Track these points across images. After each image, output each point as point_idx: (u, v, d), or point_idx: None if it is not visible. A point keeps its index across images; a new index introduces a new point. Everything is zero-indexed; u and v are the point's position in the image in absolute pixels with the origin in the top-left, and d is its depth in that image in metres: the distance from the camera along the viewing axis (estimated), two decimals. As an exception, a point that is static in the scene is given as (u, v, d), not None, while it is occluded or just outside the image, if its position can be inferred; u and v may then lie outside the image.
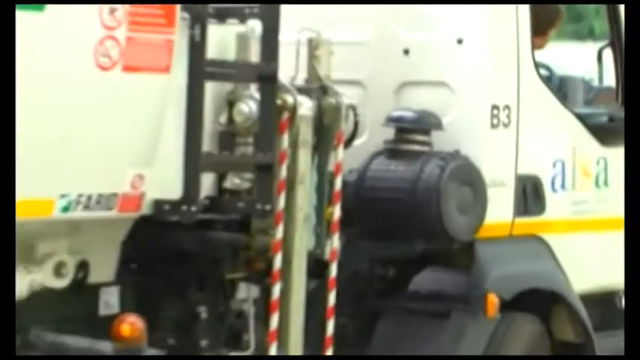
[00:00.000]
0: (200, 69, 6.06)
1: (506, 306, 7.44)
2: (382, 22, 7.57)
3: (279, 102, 6.45)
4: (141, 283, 6.64)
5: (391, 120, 7.30)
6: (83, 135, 5.70)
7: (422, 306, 7.45)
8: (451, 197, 7.10)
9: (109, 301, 6.50)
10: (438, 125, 7.32)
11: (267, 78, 6.40)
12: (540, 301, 7.84)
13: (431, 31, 7.57)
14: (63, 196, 5.68)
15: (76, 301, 6.39)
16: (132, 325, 5.99)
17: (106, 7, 5.62)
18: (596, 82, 8.68)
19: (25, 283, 6.02)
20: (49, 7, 5.44)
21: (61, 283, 6.18)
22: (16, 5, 5.29)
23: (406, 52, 7.52)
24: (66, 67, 5.59)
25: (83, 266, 6.32)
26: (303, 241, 6.64)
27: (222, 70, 6.37)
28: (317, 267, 6.81)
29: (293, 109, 6.49)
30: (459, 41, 7.48)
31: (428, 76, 7.56)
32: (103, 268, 6.45)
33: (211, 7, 6.17)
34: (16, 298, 5.96)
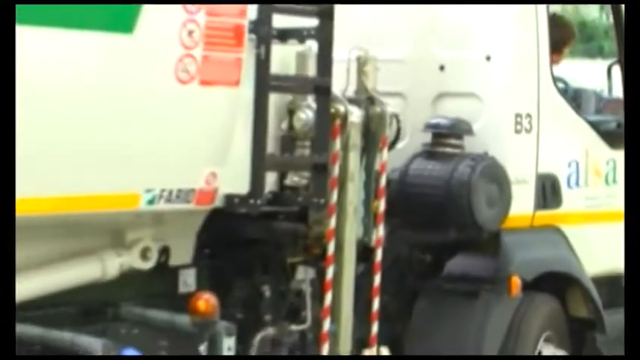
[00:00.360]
0: (265, 83, 6.08)
1: (527, 286, 7.47)
2: (421, 42, 7.58)
3: (332, 111, 6.47)
4: (214, 265, 6.67)
5: (429, 126, 7.31)
6: (165, 138, 5.74)
7: (455, 286, 7.47)
8: (480, 193, 7.11)
9: (187, 280, 6.54)
10: (469, 131, 7.34)
11: (322, 90, 6.43)
12: (557, 283, 7.86)
13: (463, 50, 7.57)
14: (148, 190, 5.73)
15: (159, 281, 6.46)
16: (206, 301, 6.05)
17: (185, 29, 5.72)
18: (605, 94, 8.64)
19: (115, 265, 6.10)
20: (137, 29, 5.52)
21: (147, 265, 6.24)
22: (107, 27, 5.43)
23: (442, 67, 7.53)
24: (151, 81, 5.63)
25: (165, 251, 6.36)
26: (352, 231, 6.68)
27: (284, 84, 6.40)
28: (364, 252, 6.82)
29: (344, 117, 6.53)
30: (488, 58, 7.48)
31: (460, 88, 7.56)
32: (182, 253, 6.49)
33: (275, 29, 6.17)
34: (108, 278, 6.14)
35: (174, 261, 6.48)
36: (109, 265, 6.09)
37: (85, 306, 6.12)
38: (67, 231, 5.95)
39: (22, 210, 5.30)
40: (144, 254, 6.25)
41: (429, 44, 7.60)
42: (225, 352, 6.10)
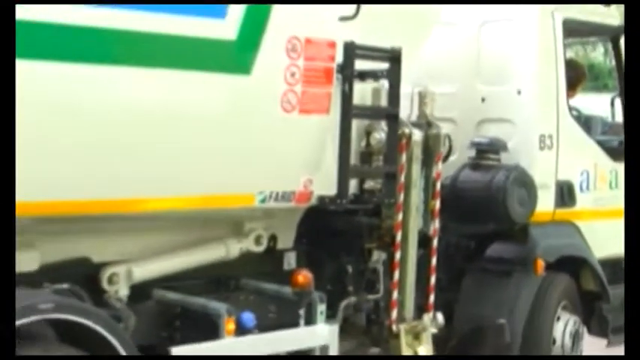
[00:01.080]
0: (348, 111, 6.06)
1: (549, 267, 7.43)
2: (467, 80, 7.55)
3: (399, 132, 6.45)
4: (310, 249, 6.64)
5: (473, 144, 7.28)
6: (273, 153, 5.78)
7: (493, 267, 7.43)
8: (513, 195, 7.05)
9: (289, 260, 6.55)
10: (505, 147, 7.27)
11: (392, 117, 6.40)
12: (572, 264, 7.78)
13: (499, 85, 7.51)
14: (260, 192, 5.79)
15: (268, 261, 6.47)
16: (304, 276, 6.08)
17: (289, 71, 5.75)
18: (609, 120, 8.51)
19: (236, 248, 6.14)
20: (253, 72, 5.55)
21: (259, 249, 6.28)
22: (232, 70, 5.46)
23: (483, 99, 7.49)
24: (262, 110, 5.66)
25: (273, 238, 6.40)
26: (415, 224, 6.67)
27: (363, 112, 6.39)
28: (424, 240, 6.79)
29: (409, 137, 6.52)
30: (519, 92, 7.41)
31: (497, 115, 7.48)
32: (286, 240, 6.51)
33: (356, 71, 6.10)
34: (230, 258, 6.16)
35: (280, 245, 6.50)
36: (232, 249, 6.15)
37: (213, 279, 6.17)
38: (202, 222, 6.02)
39: (177, 205, 5.49)
40: (257, 240, 6.29)
41: (473, 81, 7.55)
42: (319, 316, 6.13)
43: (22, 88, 4.45)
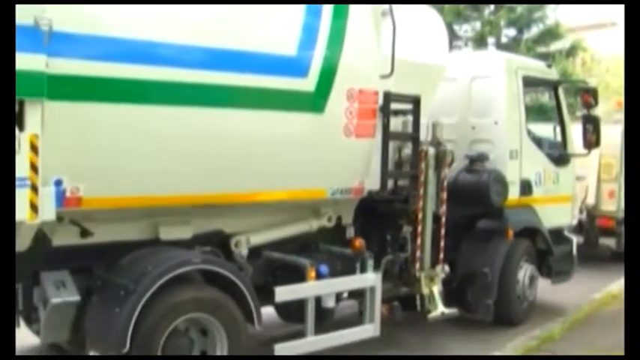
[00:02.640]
0: (387, 136, 5.87)
1: (516, 235, 7.15)
2: (463, 114, 7.24)
3: (420, 149, 6.25)
4: (362, 225, 6.31)
5: (467, 156, 6.96)
6: (339, 164, 5.58)
7: (480, 235, 7.12)
8: (493, 188, 6.77)
9: (350, 232, 6.23)
10: (487, 158, 6.95)
11: (415, 139, 6.21)
12: (530, 232, 7.46)
13: (483, 118, 7.19)
14: (331, 188, 5.61)
15: (336, 233, 6.15)
16: (359, 242, 5.92)
17: (348, 110, 5.50)
18: (552, 140, 8.11)
19: (315, 225, 5.95)
20: (326, 111, 5.33)
21: (330, 225, 6.07)
22: (310, 110, 5.25)
23: (473, 127, 7.19)
24: (330, 136, 5.44)
25: (339, 218, 6.13)
26: (430, 207, 6.38)
27: (396, 136, 6.11)
28: (436, 218, 6.48)
29: (426, 152, 6.27)
30: (496, 122, 7.11)
31: (482, 137, 7.16)
32: (347, 218, 6.21)
33: (391, 110, 5.86)
34: (312, 231, 5.93)
35: (343, 222, 6.21)
36: (313, 225, 5.95)
37: (302, 244, 5.90)
38: (294, 207, 5.78)
39: (279, 197, 5.37)
40: (329, 219, 6.06)
41: (466, 115, 7.26)
42: (369, 268, 5.88)
43: (190, 124, 4.57)
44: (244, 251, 5.49)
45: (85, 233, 4.73)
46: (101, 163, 4.36)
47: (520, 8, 18.73)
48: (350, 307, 6.44)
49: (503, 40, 18.97)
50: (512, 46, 17.94)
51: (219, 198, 5.04)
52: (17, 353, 3.88)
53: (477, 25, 18.84)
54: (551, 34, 18.88)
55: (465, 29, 19.27)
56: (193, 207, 5.04)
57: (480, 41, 18.12)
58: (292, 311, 5.84)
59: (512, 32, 19.29)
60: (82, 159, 4.26)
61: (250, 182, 5.14)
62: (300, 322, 5.51)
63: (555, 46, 18.99)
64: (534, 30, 19.05)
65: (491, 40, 18.66)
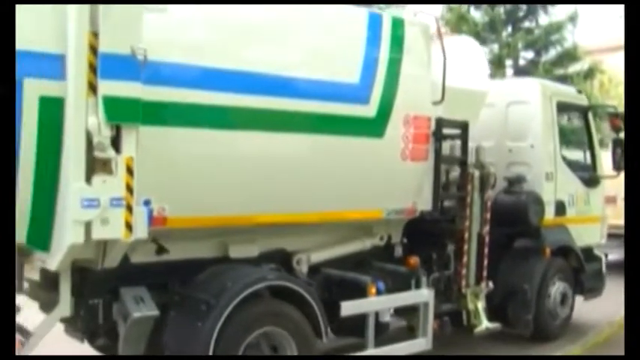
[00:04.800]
0: (439, 159, 5.91)
1: (552, 253, 7.14)
2: (500, 138, 7.20)
3: (467, 171, 6.29)
4: (411, 243, 6.31)
5: (506, 178, 6.94)
6: (395, 185, 5.61)
7: (518, 253, 7.08)
8: (532, 209, 6.76)
9: (398, 250, 6.23)
10: (525, 180, 6.94)
11: (463, 162, 6.25)
12: (564, 251, 7.42)
13: (520, 142, 7.19)
14: (386, 209, 5.66)
15: (386, 251, 6.15)
16: (414, 260, 5.95)
17: (404, 135, 5.54)
18: (583, 163, 8.07)
19: (368, 243, 5.94)
20: (385, 136, 5.39)
21: (382, 244, 6.07)
22: (372, 135, 5.30)
23: (510, 150, 7.19)
24: (389, 159, 5.51)
25: (389, 236, 6.12)
26: (475, 227, 6.41)
27: (446, 159, 6.12)
28: (479, 237, 6.47)
29: (472, 174, 6.30)
30: (532, 146, 7.12)
31: (519, 160, 7.15)
32: (396, 237, 6.20)
33: (442, 135, 5.90)
34: (364, 250, 5.90)
35: (393, 241, 6.20)
36: (366, 244, 5.95)
37: (356, 262, 5.87)
38: (350, 227, 5.79)
39: (338, 217, 5.39)
40: (381, 238, 6.07)
41: (504, 139, 7.23)
42: (423, 284, 5.90)
43: (265, 147, 4.63)
44: (304, 269, 5.50)
45: (160, 251, 4.75)
46: (186, 184, 4.41)
47: (537, 31, 18.33)
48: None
49: (521, 62, 18.57)
50: (530, 68, 17.63)
51: (286, 218, 5.08)
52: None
53: (495, 47, 18.44)
54: (569, 56, 18.29)
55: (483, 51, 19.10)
56: (259, 227, 5.05)
57: (497, 64, 17.70)
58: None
59: (530, 55, 18.85)
60: (168, 180, 4.32)
61: (314, 203, 5.18)
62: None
63: (573, 69, 18.40)
64: (552, 52, 18.55)
65: (508, 62, 18.40)
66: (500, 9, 18.89)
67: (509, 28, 18.88)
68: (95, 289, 4.54)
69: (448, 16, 19.04)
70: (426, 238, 6.35)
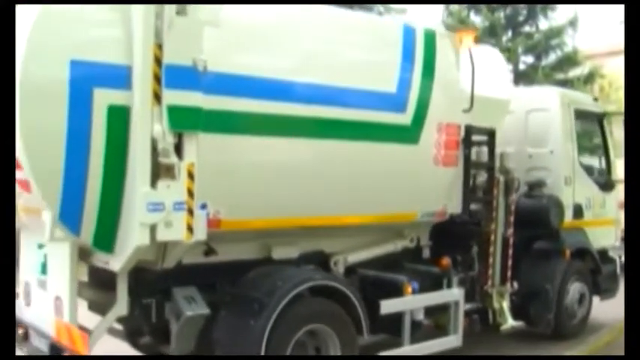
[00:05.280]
0: (468, 165, 6.06)
1: (571, 255, 7.26)
2: (521, 144, 7.32)
3: (495, 176, 6.43)
4: (437, 245, 6.38)
5: (527, 183, 7.07)
6: (428, 189, 5.79)
7: (538, 254, 7.21)
8: (552, 212, 6.91)
9: (426, 252, 6.32)
10: (545, 184, 7.09)
11: (489, 168, 6.38)
12: (582, 253, 7.54)
13: (540, 148, 7.33)
14: (420, 211, 5.80)
15: (414, 252, 6.22)
16: (446, 261, 6.07)
17: (437, 141, 5.70)
18: (598, 167, 8.21)
19: (399, 245, 6.04)
20: (420, 143, 5.55)
21: (412, 245, 6.16)
22: (407, 142, 5.47)
23: (530, 156, 7.31)
24: (423, 165, 5.67)
25: (418, 239, 6.22)
26: (500, 230, 6.53)
27: (475, 165, 6.25)
28: (504, 239, 6.59)
29: (498, 179, 6.44)
30: (551, 152, 7.27)
31: (539, 165, 7.29)
32: (424, 239, 6.28)
33: (470, 142, 6.06)
34: (396, 251, 6.00)
35: (421, 243, 6.30)
36: (398, 245, 6.05)
37: (389, 263, 5.98)
38: (382, 229, 5.90)
39: (375, 220, 5.52)
40: (411, 240, 6.15)
41: (524, 145, 7.36)
42: (454, 284, 6.03)
43: (313, 154, 4.78)
44: (341, 269, 5.63)
45: (208, 253, 4.87)
46: (239, 188, 4.56)
47: (537, 35, 18.22)
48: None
49: (521, 66, 18.57)
50: (530, 73, 17.64)
51: (327, 220, 5.22)
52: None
53: (495, 51, 18.62)
54: (569, 60, 18.24)
55: (483, 56, 19.10)
56: (299, 229, 5.17)
57: (497, 68, 17.88)
58: None
59: (530, 59, 18.83)
60: (224, 185, 4.46)
61: (354, 207, 5.33)
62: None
63: (573, 73, 18.38)
64: (552, 57, 18.50)
65: (509, 67, 18.51)
66: (501, 13, 18.85)
67: (510, 33, 18.87)
68: (149, 289, 4.67)
69: (448, 20, 18.99)
70: (451, 240, 6.44)
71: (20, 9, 3.86)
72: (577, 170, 7.46)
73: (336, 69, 5.02)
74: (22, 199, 4.15)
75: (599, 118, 8.06)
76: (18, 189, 4.09)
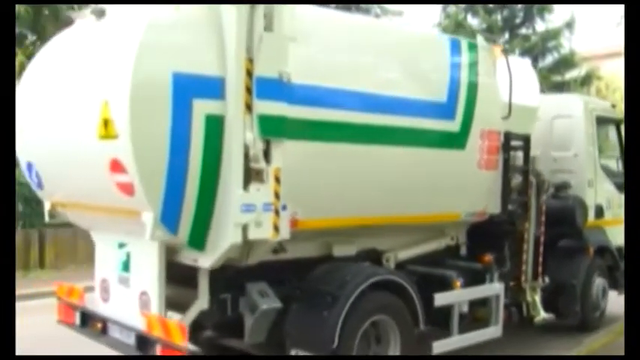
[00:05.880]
0: (507, 168, 6.33)
1: (594, 252, 7.59)
2: (546, 148, 7.58)
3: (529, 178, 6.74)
4: (476, 242, 6.61)
5: (553, 184, 7.33)
6: (473, 191, 6.09)
7: (563, 252, 7.48)
8: (578, 212, 7.21)
9: (463, 250, 6.57)
10: (570, 186, 7.41)
11: (525, 171, 6.70)
12: (603, 250, 7.85)
13: (564, 151, 7.63)
14: (464, 211, 6.09)
15: (454, 249, 6.50)
16: (489, 257, 6.29)
17: (481, 147, 5.98)
18: (617, 170, 8.46)
19: (443, 243, 6.34)
20: (466, 148, 5.83)
21: (452, 243, 6.45)
22: (455, 147, 5.77)
23: (554, 159, 7.59)
24: (468, 168, 5.97)
25: (455, 237, 6.49)
26: (532, 229, 6.84)
27: (513, 168, 6.52)
28: (536, 238, 6.89)
29: (531, 182, 6.75)
30: (575, 155, 7.59)
31: (564, 168, 7.57)
32: (462, 238, 6.56)
33: (509, 146, 6.35)
34: (439, 249, 6.28)
35: (459, 241, 6.58)
36: (442, 243, 6.36)
37: (434, 260, 6.23)
38: (426, 229, 6.18)
39: (426, 220, 5.80)
40: (452, 238, 6.45)
41: (549, 149, 7.63)
42: (495, 279, 6.30)
43: (379, 159, 5.04)
44: (392, 265, 5.90)
45: (277, 250, 5.12)
46: (314, 191, 4.82)
47: (534, 37, 18.19)
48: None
49: None
50: None
51: (383, 220, 5.50)
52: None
53: (492, 53, 18.65)
54: (566, 62, 18.21)
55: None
56: (356, 228, 5.43)
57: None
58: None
59: (526, 61, 19.05)
60: (302, 188, 4.71)
61: (407, 207, 5.62)
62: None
63: (570, 75, 18.35)
64: (549, 59, 18.46)
65: None
66: (497, 15, 18.85)
67: (506, 35, 18.83)
68: (224, 285, 4.91)
69: (445, 22, 19.11)
70: (487, 239, 6.66)
71: (126, 15, 4.20)
72: (598, 172, 7.78)
73: (398, 81, 5.32)
74: (102, 199, 4.40)
75: (617, 123, 8.39)
76: (116, 192, 4.31)
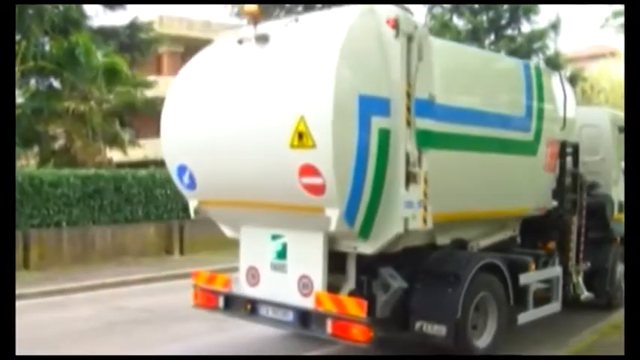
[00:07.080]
0: (563, 171, 7.50)
1: (620, 241, 8.80)
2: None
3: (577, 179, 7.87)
4: (524, 234, 7.48)
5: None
6: (539, 190, 7.19)
7: (595, 240, 8.42)
8: (608, 207, 8.47)
9: (518, 240, 7.44)
10: (599, 186, 8.59)
11: (575, 174, 7.83)
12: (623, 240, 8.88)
13: (593, 155, 8.75)
14: (531, 207, 7.21)
15: (509, 242, 7.28)
16: (552, 244, 7.43)
17: (546, 153, 7.10)
18: None
19: (507, 234, 7.28)
20: (537, 154, 6.93)
21: (513, 234, 7.43)
22: (529, 153, 6.87)
23: (584, 163, 8.46)
24: (538, 171, 7.03)
25: (515, 229, 7.33)
26: (575, 223, 7.88)
27: (567, 171, 7.70)
28: (579, 229, 7.96)
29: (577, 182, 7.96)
30: (603, 159, 8.79)
31: (592, 169, 8.55)
32: (517, 229, 7.39)
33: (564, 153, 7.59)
34: (505, 239, 7.18)
35: (512, 234, 7.37)
36: (507, 234, 7.33)
37: (502, 248, 7.12)
38: (494, 221, 7.03)
39: (509, 213, 6.86)
40: (514, 230, 7.39)
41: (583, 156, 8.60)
42: (556, 263, 7.43)
43: (483, 164, 6.25)
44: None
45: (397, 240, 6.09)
46: (443, 189, 5.83)
47: (520, 38, 18.66)
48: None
49: None
50: None
51: (473, 214, 6.58)
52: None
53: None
54: (551, 63, 17.77)
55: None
56: (451, 221, 6.45)
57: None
58: None
59: None
60: (434, 187, 5.71)
61: (496, 203, 6.73)
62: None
63: None
64: (534, 60, 18.55)
65: None
66: (483, 17, 19.22)
67: (492, 36, 19.28)
68: (362, 269, 5.89)
69: (431, 23, 19.26)
70: (535, 230, 7.66)
71: (314, 41, 5.26)
72: (620, 174, 9.03)
73: (500, 101, 6.57)
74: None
75: (633, 131, 9.68)
76: (302, 192, 5.20)
